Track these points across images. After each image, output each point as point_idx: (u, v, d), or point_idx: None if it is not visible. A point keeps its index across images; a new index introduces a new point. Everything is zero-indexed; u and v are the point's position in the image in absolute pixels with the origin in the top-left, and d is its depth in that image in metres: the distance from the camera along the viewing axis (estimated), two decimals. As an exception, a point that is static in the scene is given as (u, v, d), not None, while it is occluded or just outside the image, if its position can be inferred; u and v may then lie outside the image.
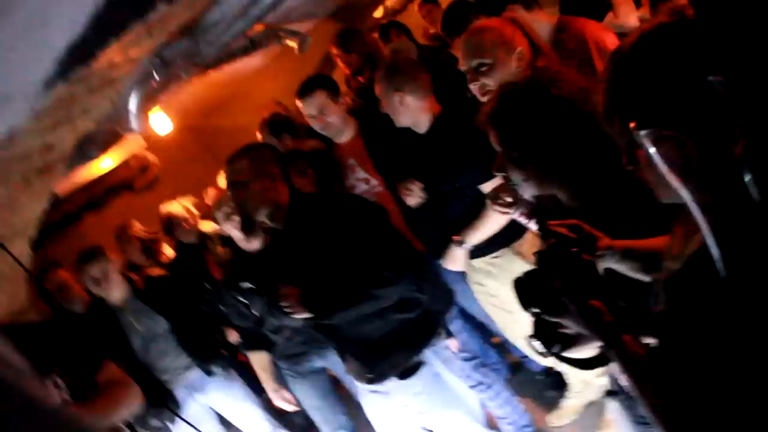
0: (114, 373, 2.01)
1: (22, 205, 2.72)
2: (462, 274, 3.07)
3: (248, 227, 2.51)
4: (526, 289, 1.30)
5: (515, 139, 1.55)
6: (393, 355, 2.43)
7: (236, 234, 3.10)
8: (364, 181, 3.19)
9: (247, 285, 3.12)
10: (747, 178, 0.89)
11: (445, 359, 2.61)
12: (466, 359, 3.11)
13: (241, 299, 3.20)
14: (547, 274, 1.27)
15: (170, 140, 6.22)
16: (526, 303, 1.30)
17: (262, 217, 2.39)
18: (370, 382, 2.48)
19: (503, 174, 1.60)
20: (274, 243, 2.55)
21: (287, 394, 3.37)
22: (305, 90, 3.16)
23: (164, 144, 6.17)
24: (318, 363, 3.23)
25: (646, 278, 1.28)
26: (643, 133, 0.94)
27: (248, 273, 3.12)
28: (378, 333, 2.39)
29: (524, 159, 1.54)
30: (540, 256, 1.31)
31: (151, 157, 6.16)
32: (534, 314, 1.31)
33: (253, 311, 3.20)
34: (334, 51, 4.05)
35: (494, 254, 2.84)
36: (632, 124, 0.96)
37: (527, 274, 1.32)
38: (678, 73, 0.93)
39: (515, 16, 2.30)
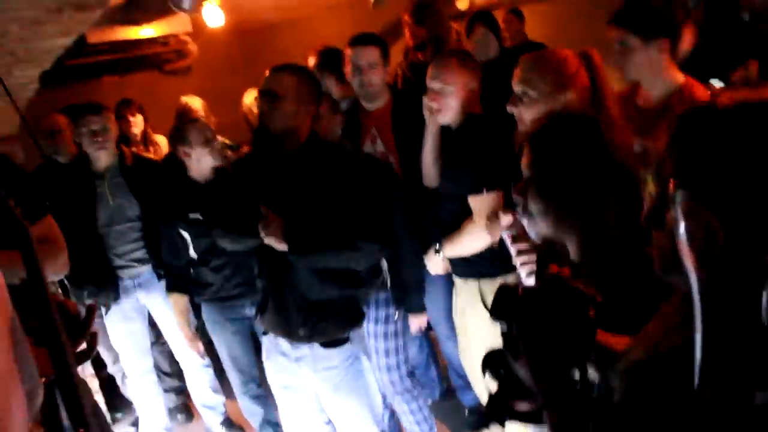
0: (50, 230, 1.94)
1: (47, 32, 2.64)
2: (446, 281, 3.00)
3: (261, 136, 2.42)
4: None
5: (549, 167, 1.44)
6: (329, 321, 2.36)
7: (206, 161, 3.09)
8: (381, 155, 3.09)
9: (195, 216, 3.03)
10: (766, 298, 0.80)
11: (365, 348, 2.54)
12: (406, 364, 3.03)
13: (183, 232, 3.11)
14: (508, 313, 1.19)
15: (216, 38, 6.15)
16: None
17: (276, 137, 2.32)
18: (294, 338, 2.40)
19: (522, 198, 1.49)
20: (258, 170, 2.44)
21: (201, 346, 3.35)
22: (362, 40, 3.06)
23: (209, 39, 6.09)
24: (249, 311, 3.13)
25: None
26: (680, 193, 0.87)
27: (199, 203, 3.03)
28: (326, 294, 2.33)
29: (551, 190, 1.44)
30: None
31: (192, 45, 6.04)
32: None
33: (192, 249, 3.11)
34: (406, 18, 3.93)
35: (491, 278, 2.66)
36: (672, 182, 0.89)
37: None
38: (742, 160, 0.85)
39: (593, 54, 2.10)
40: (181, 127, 3.20)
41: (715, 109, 0.90)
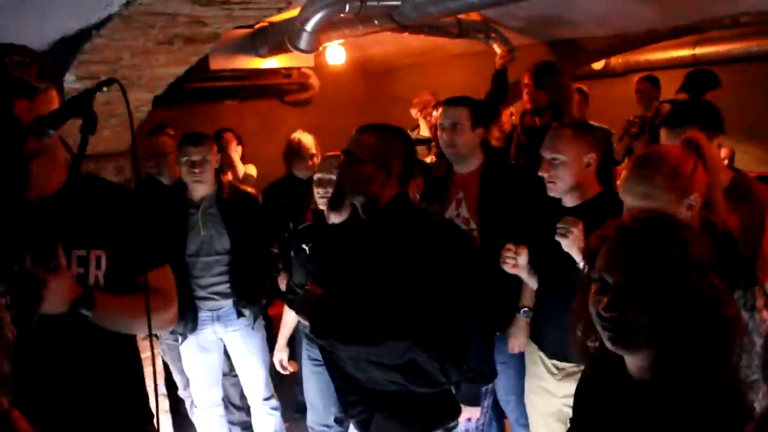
0: (165, 281, 1.81)
1: (158, 61, 2.67)
2: (521, 363, 2.77)
3: (335, 203, 2.26)
4: None
5: (660, 267, 1.21)
6: (387, 415, 2.05)
7: (320, 201, 2.96)
8: (464, 221, 2.93)
9: (305, 247, 2.93)
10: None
11: None
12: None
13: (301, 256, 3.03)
14: None
15: (339, 76, 6.22)
16: None
17: (356, 202, 2.13)
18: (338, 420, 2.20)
19: (615, 314, 1.24)
20: (349, 229, 2.31)
21: (286, 363, 3.33)
22: (451, 100, 3.04)
23: (332, 75, 6.16)
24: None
25: None
26: None
27: (314, 237, 2.93)
28: (381, 383, 2.01)
29: (658, 302, 1.20)
30: None
31: (314, 80, 6.12)
32: None
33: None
34: (526, 80, 3.75)
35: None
36: None
37: None
38: None
39: (701, 142, 1.88)
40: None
41: None
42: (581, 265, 2.20)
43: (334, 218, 2.71)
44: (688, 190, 1.81)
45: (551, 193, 2.51)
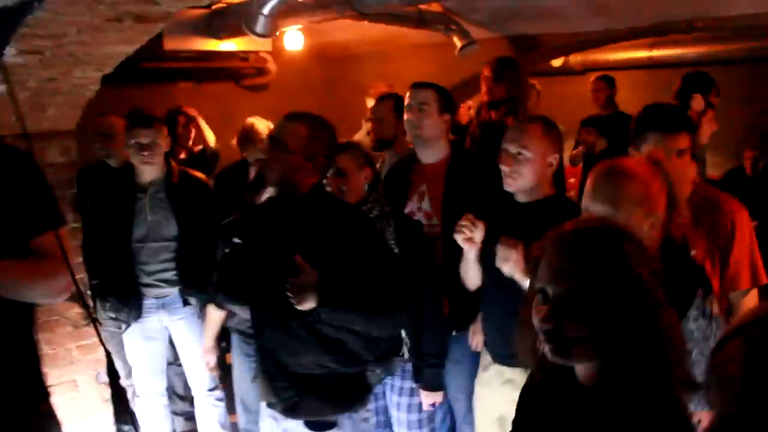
0: (50, 247, 1.74)
1: (107, 38, 2.56)
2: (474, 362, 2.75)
3: (257, 185, 2.30)
4: None
5: (600, 278, 1.18)
6: (315, 397, 2.12)
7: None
8: (425, 215, 2.88)
9: (237, 240, 2.87)
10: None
11: None
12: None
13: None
14: None
15: (298, 61, 6.12)
16: None
17: (274, 186, 2.18)
18: (278, 409, 2.18)
19: (552, 326, 1.21)
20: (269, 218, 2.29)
21: (213, 362, 3.19)
22: (422, 83, 2.98)
23: (290, 60, 6.06)
24: None
25: None
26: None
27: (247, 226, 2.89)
28: (318, 368, 2.11)
29: (601, 311, 1.18)
30: None
31: (272, 65, 6.01)
32: None
33: None
34: (486, 73, 3.75)
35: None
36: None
37: None
38: None
39: (660, 158, 1.89)
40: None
41: None
42: (525, 285, 2.21)
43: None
44: (654, 208, 1.81)
45: (508, 187, 2.43)
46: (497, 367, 2.52)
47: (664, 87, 5.20)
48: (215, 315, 3.11)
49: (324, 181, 2.30)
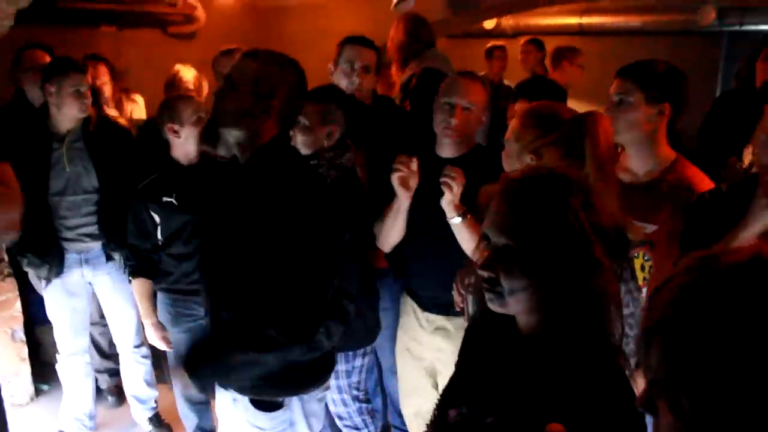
0: (9, 175, 1.63)
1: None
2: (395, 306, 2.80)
3: (210, 136, 1.99)
4: None
5: (539, 234, 1.18)
6: (268, 381, 1.91)
7: (194, 142, 2.79)
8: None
9: (168, 199, 2.75)
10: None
11: (313, 413, 2.14)
12: (359, 398, 2.77)
13: (155, 215, 2.81)
14: None
15: (228, 10, 5.89)
16: None
17: (230, 137, 1.88)
18: (202, 389, 2.03)
19: (490, 273, 1.21)
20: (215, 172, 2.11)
21: (167, 333, 2.96)
22: (363, 41, 2.93)
23: (220, 9, 5.83)
24: (200, 319, 2.82)
25: None
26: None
27: (177, 187, 2.76)
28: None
29: (538, 264, 1.18)
30: None
31: (201, 12, 5.76)
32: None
33: (159, 234, 2.83)
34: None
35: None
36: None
37: None
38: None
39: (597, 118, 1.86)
40: (173, 102, 2.88)
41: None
42: (451, 219, 2.22)
43: (210, 151, 2.38)
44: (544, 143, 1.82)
45: (449, 140, 2.46)
46: (427, 315, 2.58)
47: (592, 54, 5.33)
48: (146, 286, 2.92)
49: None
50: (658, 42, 6.50)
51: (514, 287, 1.17)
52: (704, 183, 2.06)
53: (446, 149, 2.51)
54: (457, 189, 2.20)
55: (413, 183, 2.34)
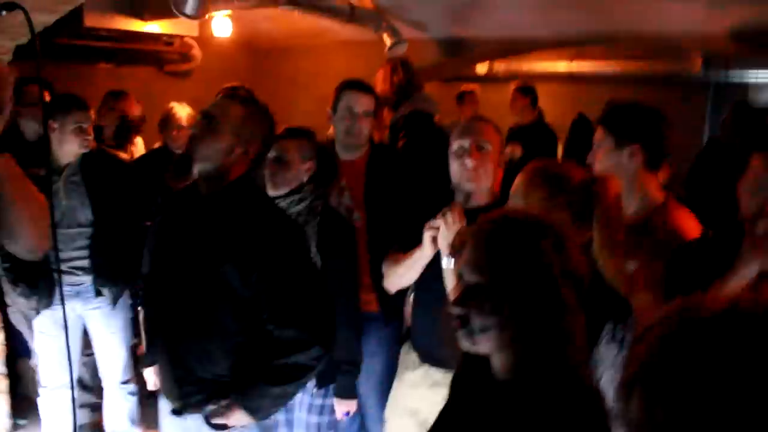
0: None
1: (25, 5, 2.41)
2: (387, 358, 2.75)
3: (182, 167, 2.08)
4: None
5: (512, 275, 1.19)
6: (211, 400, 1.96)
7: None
8: (346, 209, 2.84)
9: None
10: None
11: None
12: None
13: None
14: None
15: (224, 49, 6.00)
16: None
17: (200, 169, 1.98)
18: (176, 411, 2.03)
19: (463, 310, 1.23)
20: (187, 202, 2.10)
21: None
22: (361, 86, 2.90)
23: (217, 48, 5.93)
24: None
25: None
26: None
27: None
28: (217, 371, 1.97)
29: (511, 304, 1.19)
30: None
31: (197, 51, 5.86)
32: None
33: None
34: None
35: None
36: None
37: None
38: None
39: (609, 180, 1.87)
40: None
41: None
42: (444, 261, 2.18)
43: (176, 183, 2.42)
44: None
45: (473, 186, 2.28)
46: (426, 369, 2.43)
47: (581, 100, 5.43)
48: None
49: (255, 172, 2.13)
50: (646, 89, 6.62)
51: (485, 324, 1.19)
52: (691, 226, 2.06)
53: (473, 198, 2.31)
54: (454, 228, 2.08)
55: (446, 239, 2.16)
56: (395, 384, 2.60)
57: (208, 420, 1.96)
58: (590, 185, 1.79)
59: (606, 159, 2.07)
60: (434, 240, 2.17)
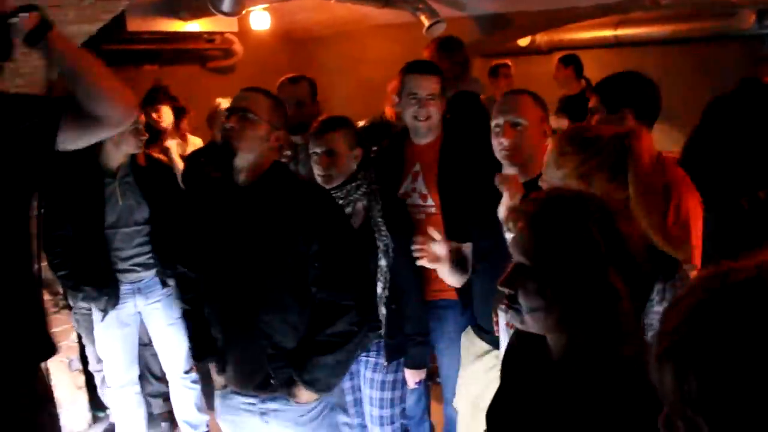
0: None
1: (67, 17, 2.50)
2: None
3: (223, 159, 2.17)
4: None
5: (560, 258, 1.18)
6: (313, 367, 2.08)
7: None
8: (421, 197, 2.80)
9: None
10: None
11: (343, 403, 2.27)
12: (400, 419, 2.76)
13: None
14: None
15: (264, 42, 6.05)
16: None
17: (242, 161, 2.08)
18: (261, 391, 2.15)
19: (511, 290, 1.23)
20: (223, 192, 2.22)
21: None
22: (423, 68, 2.81)
23: (257, 42, 5.99)
24: None
25: None
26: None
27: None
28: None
29: (558, 288, 1.19)
30: None
31: (238, 46, 5.94)
32: None
33: None
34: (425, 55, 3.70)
35: None
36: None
37: None
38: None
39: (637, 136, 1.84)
40: None
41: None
42: (507, 236, 2.16)
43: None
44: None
45: (510, 166, 2.25)
46: (496, 353, 2.35)
47: (630, 66, 5.28)
48: None
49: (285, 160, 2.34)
50: (696, 49, 6.41)
51: (531, 306, 1.18)
52: (679, 178, 2.17)
53: (519, 173, 2.25)
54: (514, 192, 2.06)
55: (443, 252, 2.23)
56: (461, 373, 2.56)
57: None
58: (622, 140, 1.75)
59: (601, 123, 2.19)
60: (435, 260, 2.24)
